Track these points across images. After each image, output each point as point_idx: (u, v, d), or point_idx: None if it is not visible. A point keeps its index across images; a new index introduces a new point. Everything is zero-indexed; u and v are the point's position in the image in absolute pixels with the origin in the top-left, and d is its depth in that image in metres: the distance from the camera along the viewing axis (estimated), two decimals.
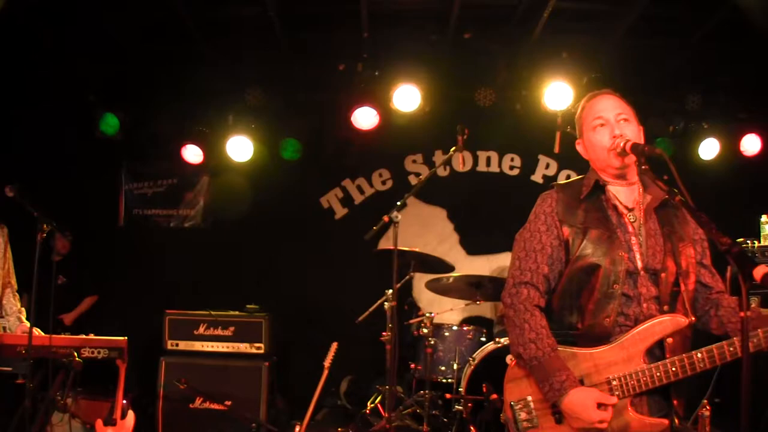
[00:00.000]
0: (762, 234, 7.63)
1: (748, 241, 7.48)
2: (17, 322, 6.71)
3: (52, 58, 9.11)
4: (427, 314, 8.38)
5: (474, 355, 8.10)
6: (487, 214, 10.45)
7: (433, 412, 8.20)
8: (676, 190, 3.41)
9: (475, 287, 8.43)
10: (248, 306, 8.77)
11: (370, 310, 8.26)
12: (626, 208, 3.89)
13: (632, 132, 3.87)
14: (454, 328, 8.79)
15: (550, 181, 10.05)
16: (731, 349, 3.50)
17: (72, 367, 5.96)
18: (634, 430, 3.61)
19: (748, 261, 2.95)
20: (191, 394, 8.27)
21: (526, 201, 4.15)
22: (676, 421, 3.70)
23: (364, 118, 9.57)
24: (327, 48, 9.60)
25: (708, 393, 5.40)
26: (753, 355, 3.18)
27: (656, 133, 9.77)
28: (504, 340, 7.82)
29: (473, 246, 10.79)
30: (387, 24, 9.12)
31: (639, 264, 3.76)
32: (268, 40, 9.26)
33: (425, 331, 8.22)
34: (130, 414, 6.34)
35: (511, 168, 10.89)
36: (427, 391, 7.97)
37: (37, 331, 6.05)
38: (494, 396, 7.14)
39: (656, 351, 3.68)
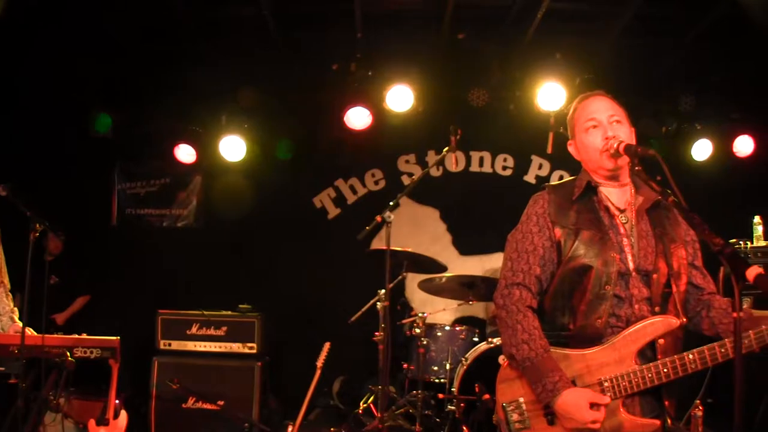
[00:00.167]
0: (755, 235, 7.64)
1: (741, 242, 7.50)
2: (10, 321, 6.68)
3: (46, 57, 9.09)
4: (420, 314, 8.39)
5: (466, 355, 8.11)
6: (480, 214, 10.46)
7: (426, 412, 8.20)
8: (669, 191, 3.42)
9: (467, 287, 8.44)
10: (241, 306, 8.78)
11: (363, 310, 8.28)
12: (618, 209, 3.89)
13: (625, 133, 3.87)
14: (447, 328, 8.80)
15: (543, 181, 10.07)
16: (722, 350, 3.50)
17: (65, 367, 5.95)
18: (626, 430, 3.62)
19: (741, 262, 2.95)
20: (184, 393, 8.27)
21: (519, 201, 4.15)
22: (669, 421, 3.72)
23: (357, 118, 9.59)
24: (320, 48, 9.60)
25: (701, 393, 5.41)
26: (744, 356, 3.19)
27: (649, 134, 9.77)
28: (497, 340, 7.82)
29: (466, 246, 10.80)
30: (381, 24, 9.13)
31: (630, 265, 3.76)
32: (262, 39, 9.27)
33: (418, 331, 8.23)
34: (123, 414, 6.33)
35: (504, 168, 10.90)
36: (419, 391, 7.98)
37: (29, 331, 6.04)
38: (487, 396, 7.16)
39: (648, 352, 3.69)
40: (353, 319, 8.29)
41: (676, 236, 3.87)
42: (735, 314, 2.90)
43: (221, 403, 8.21)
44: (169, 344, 8.56)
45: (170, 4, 8.42)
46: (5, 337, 6.15)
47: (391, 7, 8.99)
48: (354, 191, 10.90)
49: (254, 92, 9.65)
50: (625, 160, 3.78)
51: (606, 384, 3.64)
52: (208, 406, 8.26)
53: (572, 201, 3.94)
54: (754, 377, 6.46)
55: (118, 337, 6.22)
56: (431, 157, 10.70)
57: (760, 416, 6.67)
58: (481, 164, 10.92)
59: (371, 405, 8.85)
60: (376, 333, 7.40)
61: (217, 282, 10.07)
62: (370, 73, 9.40)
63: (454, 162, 8.87)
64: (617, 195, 3.94)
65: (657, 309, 3.72)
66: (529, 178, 10.86)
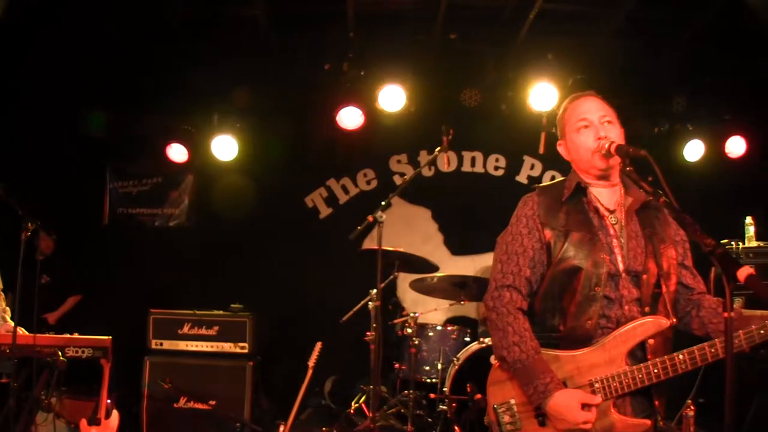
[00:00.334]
0: (746, 235, 7.68)
1: (733, 243, 7.53)
2: (1, 321, 6.68)
3: (38, 57, 9.08)
4: (412, 314, 8.39)
5: (458, 355, 8.11)
6: (472, 214, 10.46)
7: (418, 412, 8.21)
8: (661, 192, 3.42)
9: (459, 287, 8.44)
10: (232, 305, 8.78)
11: (355, 309, 8.27)
12: (608, 210, 3.89)
13: (616, 134, 3.88)
14: (439, 328, 8.82)
15: (534, 181, 10.04)
16: (712, 350, 3.51)
17: (56, 367, 5.96)
18: (617, 430, 3.62)
19: (732, 262, 2.96)
20: (175, 393, 8.28)
21: (510, 201, 4.15)
22: (660, 422, 3.73)
23: (350, 117, 9.60)
24: (313, 48, 9.61)
25: (692, 393, 5.43)
26: (735, 356, 3.20)
27: (641, 135, 9.78)
28: (488, 340, 7.81)
29: (458, 246, 10.80)
30: (373, 24, 9.14)
31: (620, 266, 3.76)
32: (254, 39, 9.28)
33: (409, 331, 8.23)
34: (115, 413, 6.34)
35: (496, 168, 10.91)
36: (411, 391, 7.98)
37: (21, 331, 6.04)
38: (478, 396, 7.18)
39: (638, 353, 3.69)
40: (345, 318, 8.28)
41: (665, 236, 3.88)
42: (726, 314, 2.91)
43: (213, 402, 8.21)
44: (161, 344, 8.56)
45: (164, 4, 8.42)
46: None
47: (384, 7, 9.00)
48: (346, 191, 10.90)
49: (247, 92, 9.65)
50: (616, 160, 3.78)
51: (597, 385, 3.65)
52: (199, 405, 8.26)
53: (562, 202, 3.94)
54: (744, 377, 6.49)
55: (110, 337, 6.23)
56: (423, 157, 10.69)
57: (750, 416, 6.69)
58: (473, 164, 10.92)
59: (363, 405, 8.84)
60: (368, 333, 7.42)
61: (209, 281, 10.07)
62: (362, 73, 9.41)
63: (446, 162, 8.86)
64: (607, 196, 3.94)
65: (647, 310, 3.72)
66: (521, 178, 10.87)
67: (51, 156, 9.98)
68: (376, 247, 6.52)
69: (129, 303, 9.38)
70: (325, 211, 10.89)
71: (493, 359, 3.98)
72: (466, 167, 10.92)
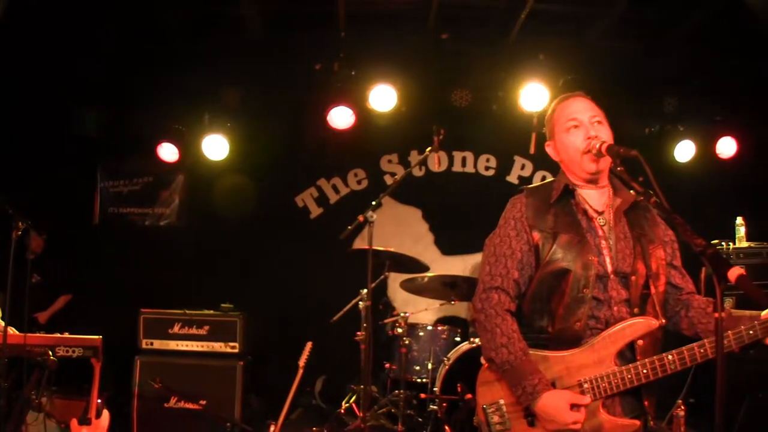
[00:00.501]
0: (737, 236, 7.71)
1: (723, 243, 7.56)
2: None
3: (28, 56, 9.06)
4: (402, 314, 8.41)
5: (449, 355, 8.13)
6: (463, 214, 10.45)
7: (408, 411, 8.22)
8: (651, 192, 3.43)
9: (449, 287, 8.45)
10: (223, 305, 8.77)
11: (345, 309, 8.28)
12: (596, 211, 3.89)
13: (606, 134, 3.87)
14: (429, 327, 8.84)
15: (525, 181, 10.13)
16: (701, 350, 3.52)
17: (47, 366, 5.95)
18: (606, 431, 3.63)
19: (723, 262, 2.97)
20: (166, 393, 8.26)
21: (501, 202, 4.14)
22: (651, 421, 3.74)
23: (340, 117, 9.60)
24: (304, 47, 9.60)
25: (683, 393, 5.45)
26: (725, 356, 3.21)
27: (632, 135, 9.81)
28: (478, 340, 7.81)
29: (448, 246, 10.81)
30: (364, 24, 9.15)
31: (609, 268, 3.77)
32: (245, 39, 9.28)
33: (400, 330, 8.24)
34: (105, 413, 6.34)
35: (487, 168, 10.92)
36: (401, 391, 8.00)
37: (11, 330, 6.03)
38: (469, 396, 7.19)
39: (627, 353, 3.70)
40: (335, 318, 8.29)
41: (654, 237, 3.89)
42: (717, 315, 2.92)
43: (203, 402, 8.20)
44: (151, 343, 8.54)
45: (155, 4, 8.41)
46: None
47: (375, 7, 9.01)
48: (336, 191, 10.90)
49: (237, 91, 9.65)
50: (606, 161, 3.79)
51: (585, 385, 3.65)
52: (190, 405, 8.25)
53: (550, 204, 3.93)
54: (734, 378, 6.51)
55: (100, 337, 6.22)
56: (414, 157, 10.69)
57: (741, 416, 6.71)
58: (463, 164, 10.94)
59: (353, 404, 8.84)
60: (358, 333, 7.44)
61: (200, 281, 10.05)
62: (353, 73, 9.41)
63: (437, 162, 8.91)
64: (595, 197, 3.94)
65: (636, 310, 3.73)
66: (512, 178, 10.88)
67: (42, 155, 9.96)
68: (366, 247, 6.52)
69: (119, 302, 9.35)
70: (315, 211, 10.89)
71: (483, 359, 3.98)
72: (457, 167, 10.93)
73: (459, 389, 7.50)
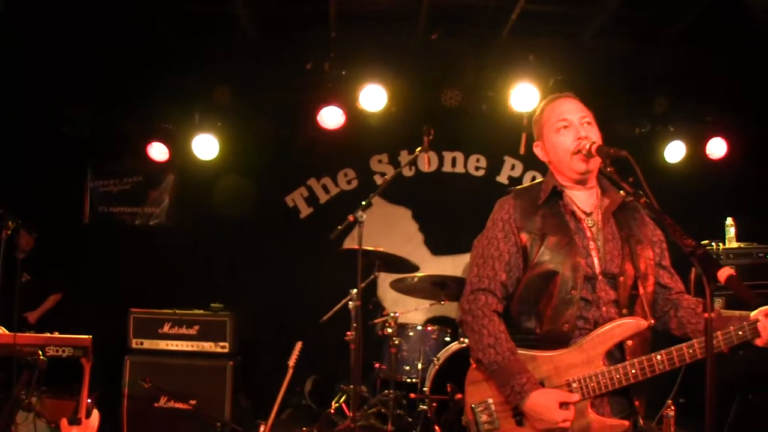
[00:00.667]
0: (727, 236, 7.74)
1: (713, 244, 7.59)
2: None
3: (18, 55, 9.03)
4: (392, 314, 8.40)
5: (438, 355, 8.14)
6: (452, 214, 10.46)
7: (398, 411, 8.22)
8: (641, 192, 3.44)
9: (439, 287, 8.45)
10: (213, 305, 8.76)
11: (335, 309, 8.26)
12: (584, 212, 3.90)
13: (595, 135, 3.87)
14: (419, 327, 8.84)
15: (515, 182, 10.16)
16: (690, 351, 3.53)
17: (36, 366, 5.93)
18: (594, 431, 3.64)
19: (713, 263, 2.98)
20: (156, 393, 8.26)
21: (491, 202, 4.13)
22: (641, 421, 3.75)
23: (331, 117, 9.62)
24: (294, 47, 9.59)
25: (673, 393, 5.46)
26: (714, 356, 3.22)
27: (623, 136, 9.82)
28: (468, 341, 7.84)
29: (438, 246, 10.82)
30: (355, 24, 9.15)
31: (597, 269, 3.77)
32: (236, 38, 9.28)
33: (390, 330, 8.23)
34: (95, 413, 6.31)
35: (477, 169, 10.93)
36: (391, 391, 7.99)
37: (1, 330, 6.02)
38: (459, 396, 7.19)
39: (616, 353, 3.71)
40: (325, 318, 8.27)
41: (642, 237, 3.90)
42: (706, 315, 2.93)
43: (193, 402, 8.20)
44: (141, 343, 8.53)
45: (145, 2, 8.40)
46: None
47: (366, 7, 9.01)
48: (326, 190, 10.90)
49: (228, 91, 9.64)
50: (596, 161, 3.79)
51: (574, 385, 3.65)
52: (180, 405, 8.25)
53: (538, 206, 3.93)
54: (724, 378, 6.53)
55: (90, 336, 6.20)
56: (404, 157, 10.69)
57: (731, 417, 6.73)
58: (453, 164, 10.94)
59: (343, 404, 8.83)
60: (348, 333, 7.44)
61: (189, 281, 10.03)
62: (343, 73, 9.41)
63: (427, 162, 8.89)
64: (584, 198, 3.94)
65: (624, 311, 3.73)
66: (502, 178, 10.89)
67: (31, 154, 9.94)
68: (356, 247, 6.50)
69: (109, 302, 9.35)
70: (305, 211, 10.88)
71: (471, 360, 3.99)
72: (447, 167, 10.94)
73: (449, 389, 7.51)
